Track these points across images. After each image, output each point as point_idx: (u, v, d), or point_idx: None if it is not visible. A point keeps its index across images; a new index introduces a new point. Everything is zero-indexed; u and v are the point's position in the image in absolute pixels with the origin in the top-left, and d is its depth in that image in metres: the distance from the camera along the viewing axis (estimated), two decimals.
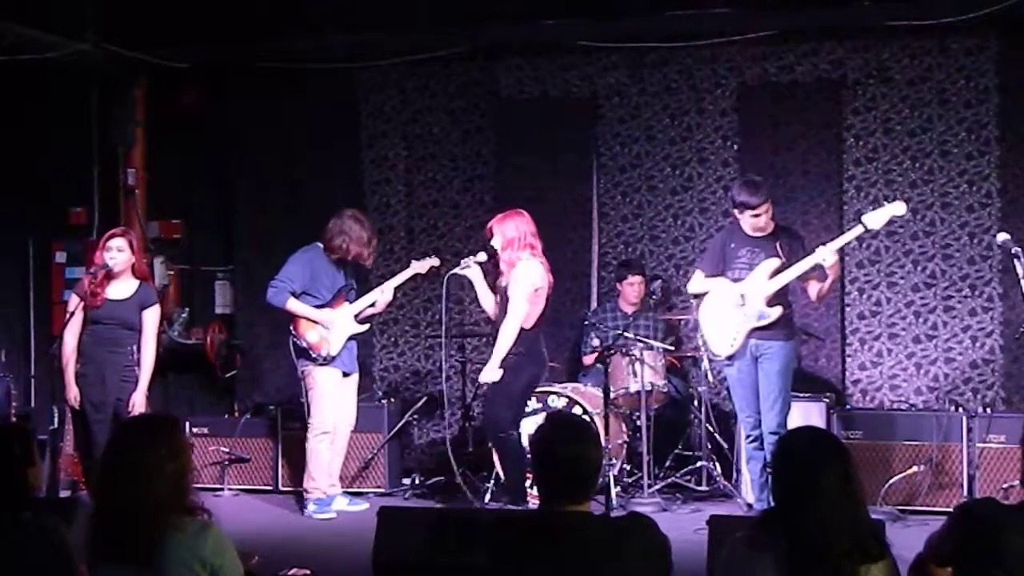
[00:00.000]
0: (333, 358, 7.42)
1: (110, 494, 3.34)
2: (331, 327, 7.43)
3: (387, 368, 9.19)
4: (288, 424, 7.95)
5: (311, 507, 7.42)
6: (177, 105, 9.28)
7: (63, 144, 9.38)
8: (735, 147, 8.55)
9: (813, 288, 6.75)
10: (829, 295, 7.12)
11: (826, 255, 6.46)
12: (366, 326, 7.61)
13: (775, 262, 6.63)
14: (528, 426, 7.39)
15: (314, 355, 7.41)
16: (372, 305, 7.61)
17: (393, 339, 9.17)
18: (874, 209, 6.58)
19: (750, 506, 6.92)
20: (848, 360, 8.32)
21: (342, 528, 7.11)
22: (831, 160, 8.36)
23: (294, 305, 7.43)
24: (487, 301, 7.21)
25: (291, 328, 7.48)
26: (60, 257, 9.44)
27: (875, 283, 8.29)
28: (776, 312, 6.61)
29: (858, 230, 6.57)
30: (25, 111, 9.24)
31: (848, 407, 7.94)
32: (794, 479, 3.13)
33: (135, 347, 6.92)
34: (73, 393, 6.85)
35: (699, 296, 6.96)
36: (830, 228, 8.24)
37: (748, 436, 6.78)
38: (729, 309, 6.70)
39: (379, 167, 9.24)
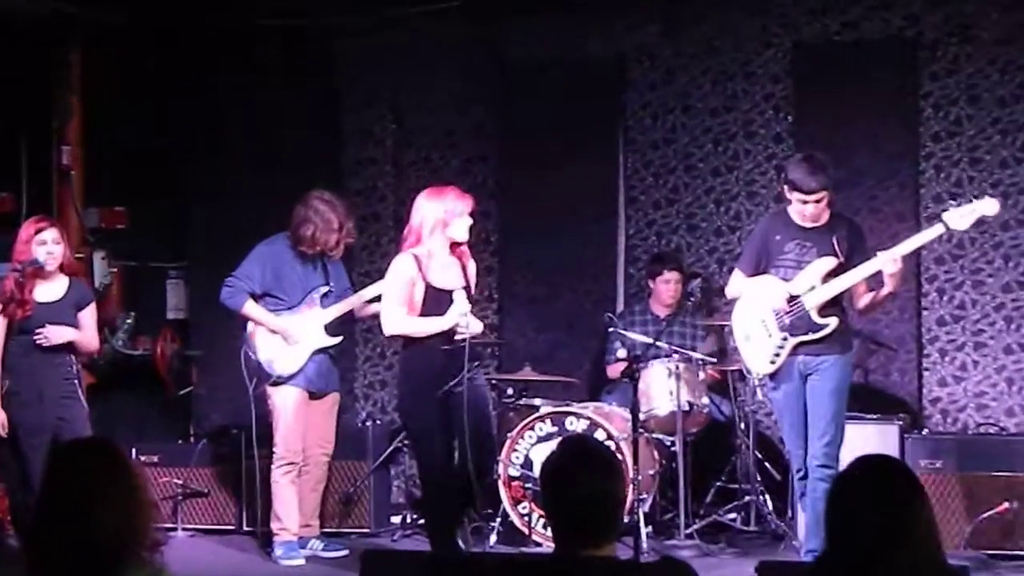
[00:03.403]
0: (291, 376, 7.43)
1: (47, 536, 3.34)
2: (292, 339, 7.42)
3: (372, 384, 9.20)
4: (254, 451, 7.94)
5: (278, 551, 7.44)
6: (120, 70, 9.29)
7: None
8: (789, 119, 8.56)
9: (863, 298, 6.62)
10: (877, 310, 7.06)
11: (887, 262, 6.37)
12: (338, 338, 7.56)
13: (830, 261, 6.50)
14: (538, 454, 7.42)
15: (267, 372, 7.43)
16: (377, 300, 7.49)
17: (379, 349, 9.18)
18: (958, 203, 6.48)
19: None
20: (925, 374, 8.31)
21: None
22: (905, 135, 8.35)
23: (251, 309, 7.44)
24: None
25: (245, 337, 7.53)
26: None
27: (958, 282, 8.28)
28: (831, 324, 6.51)
29: (938, 230, 6.49)
30: None
31: (925, 430, 7.93)
32: (852, 523, 3.11)
33: (74, 357, 7.00)
34: (1, 419, 6.87)
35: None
36: (904, 217, 8.24)
37: (799, 471, 6.69)
38: (770, 316, 6.62)
39: (363, 144, 9.26)
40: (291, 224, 7.47)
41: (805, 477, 6.65)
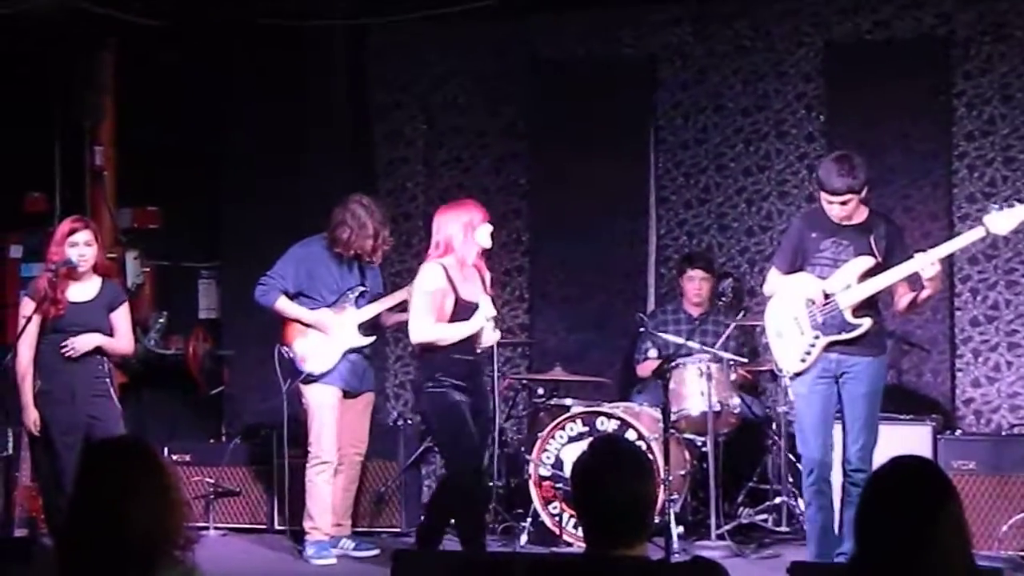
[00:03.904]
0: (325, 374, 7.46)
1: (79, 534, 3.36)
2: (327, 334, 7.45)
3: (403, 384, 9.20)
4: (285, 450, 7.97)
5: (309, 550, 7.46)
6: (153, 71, 9.32)
7: (18, 118, 9.43)
8: (821, 118, 8.53)
9: (904, 298, 6.54)
10: (919, 309, 7.00)
11: (925, 264, 6.28)
12: (371, 338, 7.58)
13: (867, 261, 6.42)
14: (569, 454, 7.42)
15: (300, 369, 7.46)
16: (404, 308, 7.50)
17: (410, 349, 9.16)
18: (999, 206, 6.32)
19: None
20: (959, 375, 8.27)
21: (350, 575, 7.15)
22: (938, 134, 8.32)
23: (284, 305, 7.48)
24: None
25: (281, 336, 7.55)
26: (15, 251, 9.49)
27: (991, 282, 8.24)
28: (864, 325, 6.44)
29: (978, 233, 6.38)
30: None
31: (958, 431, 7.90)
32: (883, 525, 3.09)
33: (105, 357, 7.04)
34: (33, 417, 6.92)
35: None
36: (936, 216, 8.20)
37: (809, 472, 6.54)
38: (803, 314, 6.56)
39: (393, 144, 9.27)
40: (329, 225, 7.51)
41: (815, 483, 6.53)
